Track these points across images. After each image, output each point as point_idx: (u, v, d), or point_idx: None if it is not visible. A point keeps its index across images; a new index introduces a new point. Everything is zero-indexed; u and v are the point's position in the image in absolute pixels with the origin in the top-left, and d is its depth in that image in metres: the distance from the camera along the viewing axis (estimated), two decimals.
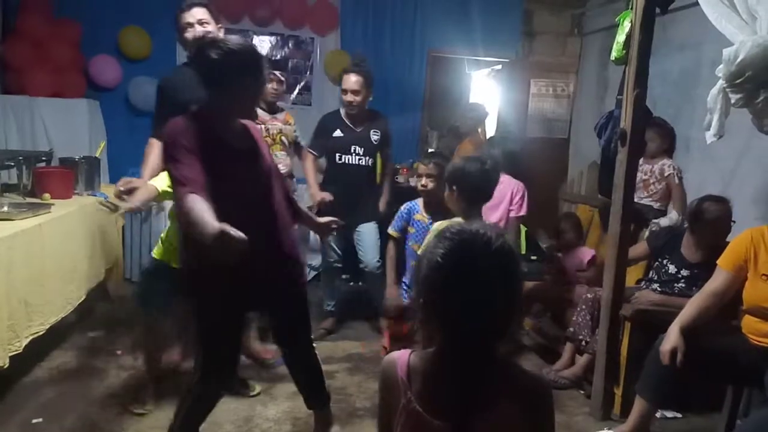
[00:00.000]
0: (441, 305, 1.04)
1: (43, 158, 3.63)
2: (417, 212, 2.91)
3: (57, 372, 2.99)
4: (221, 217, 1.68)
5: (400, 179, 5.17)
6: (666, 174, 3.61)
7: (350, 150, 3.57)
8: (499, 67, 5.96)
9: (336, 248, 3.73)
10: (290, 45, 5.24)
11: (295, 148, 3.78)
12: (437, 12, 5.27)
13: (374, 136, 3.62)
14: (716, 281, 2.47)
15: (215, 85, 1.92)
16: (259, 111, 3.46)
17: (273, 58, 5.16)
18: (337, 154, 3.59)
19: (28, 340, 2.57)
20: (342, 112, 3.63)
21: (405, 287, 2.80)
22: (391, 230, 3.00)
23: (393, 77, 5.26)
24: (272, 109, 3.65)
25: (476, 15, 5.24)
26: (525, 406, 1.07)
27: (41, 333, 2.70)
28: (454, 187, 2.36)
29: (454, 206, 2.40)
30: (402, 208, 2.99)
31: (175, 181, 1.84)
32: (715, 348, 2.40)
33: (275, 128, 3.62)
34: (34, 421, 2.52)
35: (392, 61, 5.28)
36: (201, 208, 1.70)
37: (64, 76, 4.51)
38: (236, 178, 1.95)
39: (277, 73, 3.68)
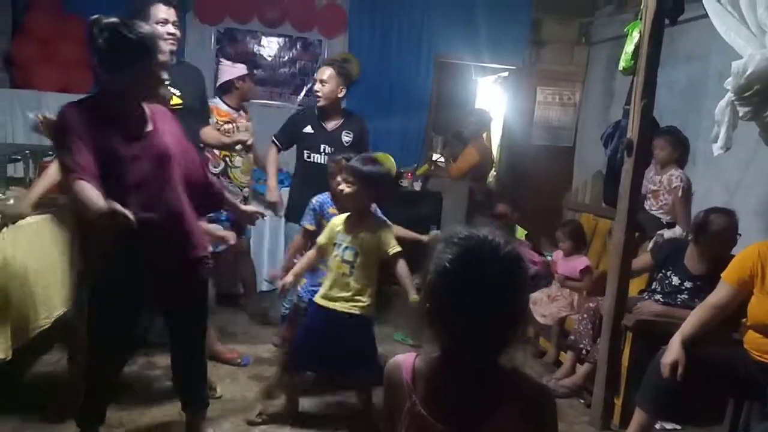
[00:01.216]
0: (447, 310, 1.04)
1: (50, 152, 3.63)
2: (330, 206, 2.85)
3: (58, 366, 2.99)
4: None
5: (404, 183, 5.19)
6: (673, 185, 3.51)
7: (320, 149, 3.42)
8: (506, 74, 5.98)
9: None
10: (298, 46, 5.26)
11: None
12: (445, 18, 5.28)
13: (345, 137, 3.47)
14: (719, 294, 2.46)
15: (105, 68, 1.94)
16: (228, 108, 3.59)
17: (280, 59, 5.19)
18: (306, 152, 3.45)
19: (35, 332, 2.58)
20: (316, 111, 3.50)
21: (310, 286, 2.80)
22: (305, 223, 2.86)
23: (399, 81, 5.28)
24: (244, 107, 3.76)
25: (484, 22, 5.24)
26: (528, 413, 1.07)
27: (47, 326, 2.70)
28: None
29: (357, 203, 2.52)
30: (313, 200, 2.88)
31: (63, 167, 1.87)
32: (716, 361, 2.40)
33: (243, 125, 3.67)
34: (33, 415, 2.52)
35: (399, 65, 5.30)
36: (88, 191, 1.76)
37: (72, 71, 4.53)
38: (125, 163, 1.97)
39: (256, 72, 3.75)
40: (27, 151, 3.36)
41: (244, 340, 3.61)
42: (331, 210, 2.83)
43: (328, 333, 2.50)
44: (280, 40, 5.22)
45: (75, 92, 4.47)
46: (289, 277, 2.58)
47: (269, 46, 5.20)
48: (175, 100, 2.88)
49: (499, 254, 1.02)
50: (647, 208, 3.59)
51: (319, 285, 2.62)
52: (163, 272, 2.09)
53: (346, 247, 2.51)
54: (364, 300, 2.51)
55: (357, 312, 2.50)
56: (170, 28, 2.72)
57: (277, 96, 5.19)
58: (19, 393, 2.71)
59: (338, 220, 2.60)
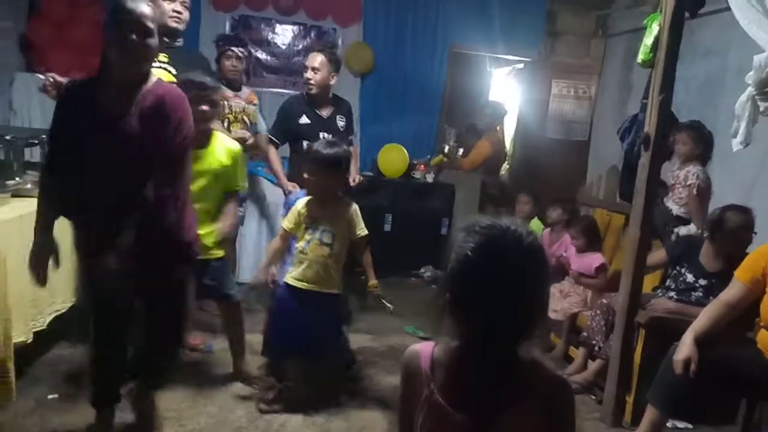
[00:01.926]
0: (468, 299, 1.04)
1: None
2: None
3: (75, 350, 3.02)
4: (75, 189, 1.94)
5: (417, 175, 5.18)
6: (689, 182, 3.40)
7: (318, 137, 3.29)
8: (521, 65, 5.94)
9: None
10: (312, 35, 5.24)
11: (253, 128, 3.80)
12: (460, 8, 5.25)
13: (340, 122, 3.47)
14: (731, 292, 2.45)
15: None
16: (223, 88, 3.47)
17: (294, 47, 5.17)
18: (305, 142, 3.35)
19: (51, 317, 2.61)
20: (305, 97, 3.46)
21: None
22: (286, 225, 2.74)
23: (413, 71, 5.26)
24: (234, 87, 3.71)
25: (499, 13, 5.21)
26: (546, 405, 1.07)
27: (64, 311, 2.73)
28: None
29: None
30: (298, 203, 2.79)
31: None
32: (729, 360, 2.38)
33: (238, 106, 3.67)
34: (50, 396, 2.56)
35: (413, 55, 5.28)
36: (41, 205, 2.03)
37: (88, 55, 4.54)
38: (89, 142, 1.93)
39: (235, 49, 3.69)
40: (44, 136, 3.39)
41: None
42: None
43: (308, 314, 2.59)
44: (295, 28, 5.21)
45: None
46: (262, 276, 2.68)
47: (283, 34, 5.19)
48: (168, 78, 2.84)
49: (521, 244, 1.02)
50: (664, 200, 3.52)
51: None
52: (135, 259, 1.96)
53: (324, 230, 2.60)
54: (337, 279, 2.64)
55: (334, 291, 2.63)
56: (177, 6, 2.70)
57: (290, 85, 5.18)
58: (39, 375, 2.74)
59: (301, 204, 2.67)
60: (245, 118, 3.73)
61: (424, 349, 1.14)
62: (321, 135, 3.32)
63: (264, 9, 5.08)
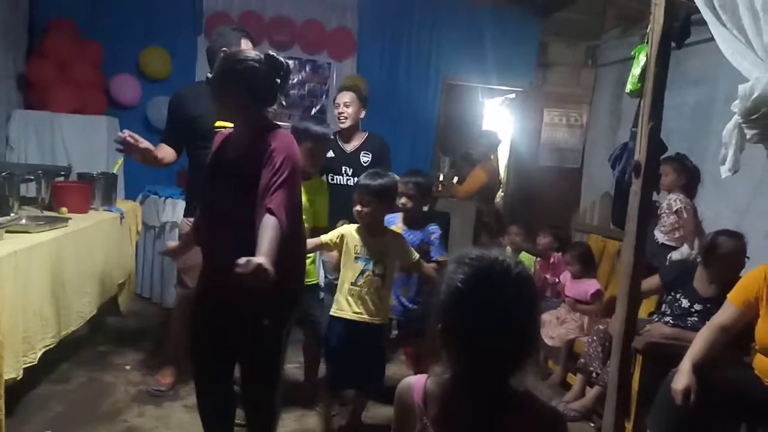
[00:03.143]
0: (459, 331, 1.04)
1: (62, 173, 3.69)
2: (394, 224, 2.96)
3: (66, 386, 3.00)
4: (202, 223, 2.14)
5: None
6: (674, 209, 3.54)
7: (341, 170, 3.47)
8: (513, 95, 6.02)
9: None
10: (307, 69, 5.32)
11: None
12: (453, 40, 5.35)
13: (364, 158, 3.53)
14: (724, 315, 2.45)
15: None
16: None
17: (290, 81, 5.25)
18: (329, 175, 3.46)
19: (42, 352, 2.59)
20: (335, 134, 3.54)
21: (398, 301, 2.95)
22: (325, 237, 2.80)
23: (407, 103, 5.33)
24: None
25: (491, 45, 5.31)
26: None
27: (54, 345, 2.71)
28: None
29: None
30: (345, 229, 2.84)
31: None
32: (728, 385, 2.37)
33: None
34: None
35: (407, 86, 5.36)
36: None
37: (86, 93, 4.61)
38: (212, 185, 2.08)
39: None
40: (40, 172, 3.42)
41: None
42: (395, 228, 2.91)
43: (362, 346, 2.62)
44: (290, 62, 5.28)
45: (88, 113, 4.56)
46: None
47: None
48: (221, 123, 2.98)
49: (510, 275, 1.03)
50: (654, 232, 3.58)
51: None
52: (230, 306, 1.99)
53: (376, 262, 2.61)
54: (386, 308, 2.69)
55: (384, 320, 2.67)
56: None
57: (285, 117, 5.24)
58: (29, 412, 2.71)
59: (349, 231, 2.68)
60: None
61: (417, 381, 1.14)
62: (343, 169, 3.48)
63: (260, 44, 5.15)
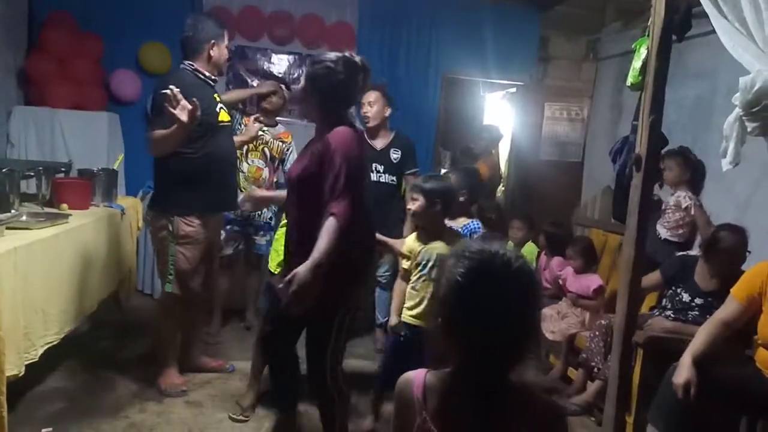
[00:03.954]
0: (459, 325, 1.04)
1: (62, 169, 3.68)
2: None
3: (67, 382, 3.00)
4: None
5: None
6: (684, 206, 3.49)
7: (372, 168, 3.58)
8: (514, 89, 6.00)
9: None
10: (307, 63, 5.29)
11: (279, 164, 3.96)
12: (453, 35, 5.32)
13: (394, 155, 3.67)
14: (727, 310, 2.45)
15: None
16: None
17: (290, 76, 5.24)
18: None
19: (44, 348, 2.59)
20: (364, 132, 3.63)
21: None
22: (404, 263, 2.84)
23: (407, 98, 5.29)
24: (269, 122, 3.88)
25: (491, 39, 5.28)
26: (539, 431, 1.06)
27: (56, 342, 2.71)
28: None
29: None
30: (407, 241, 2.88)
31: None
32: (729, 379, 2.38)
33: (262, 138, 3.78)
34: (44, 430, 2.53)
35: (407, 81, 5.33)
36: None
37: (86, 89, 4.60)
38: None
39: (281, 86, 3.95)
40: (40, 168, 3.42)
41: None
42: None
43: (416, 349, 2.55)
44: (290, 57, 5.28)
45: (88, 109, 4.56)
46: (394, 319, 2.72)
47: (279, 64, 5.26)
48: (224, 117, 3.01)
49: (510, 268, 1.03)
50: (657, 227, 3.56)
51: None
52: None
53: (432, 266, 2.57)
54: None
55: None
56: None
57: (286, 113, 5.22)
58: (32, 408, 2.71)
59: (411, 241, 2.69)
60: (266, 150, 3.83)
61: (416, 376, 1.14)
62: (374, 166, 3.61)
63: (259, 39, 5.15)
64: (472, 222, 2.88)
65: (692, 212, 3.46)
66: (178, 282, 2.90)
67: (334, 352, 2.26)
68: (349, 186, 2.10)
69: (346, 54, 2.21)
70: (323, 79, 2.18)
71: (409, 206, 2.68)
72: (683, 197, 3.51)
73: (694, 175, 3.61)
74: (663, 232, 3.56)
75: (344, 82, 2.20)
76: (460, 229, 2.81)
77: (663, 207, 3.60)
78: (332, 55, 2.21)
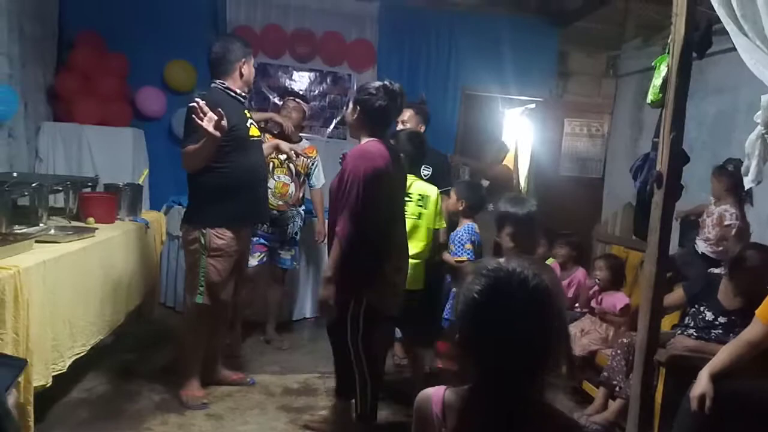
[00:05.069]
0: (477, 342, 1.05)
1: (89, 184, 3.77)
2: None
3: (92, 393, 3.05)
4: None
5: None
6: (725, 223, 3.45)
7: None
8: (533, 105, 6.01)
9: None
10: (328, 81, 5.38)
11: (304, 179, 4.03)
12: (472, 51, 5.37)
13: (425, 171, 3.65)
14: (752, 332, 2.41)
15: None
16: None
17: (311, 92, 5.32)
18: None
19: (71, 360, 2.64)
20: None
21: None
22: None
23: None
24: (292, 138, 3.91)
25: (511, 55, 5.32)
26: None
27: (83, 354, 2.76)
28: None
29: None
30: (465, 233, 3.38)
31: None
32: (751, 393, 2.33)
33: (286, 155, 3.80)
34: None
35: (427, 97, 5.34)
36: None
37: (111, 106, 4.72)
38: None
39: (294, 101, 4.03)
40: (68, 183, 3.50)
41: (270, 370, 3.62)
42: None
43: None
44: (311, 74, 5.36)
45: (113, 125, 4.67)
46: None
47: (300, 81, 5.35)
48: (254, 132, 3.11)
49: (527, 286, 1.04)
50: (696, 241, 3.53)
51: None
52: None
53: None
54: None
55: None
56: None
57: (307, 129, 5.29)
58: (58, 419, 2.76)
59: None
60: (291, 166, 3.89)
61: (435, 393, 1.15)
62: None
63: (281, 56, 5.24)
64: (470, 224, 3.42)
65: (732, 233, 3.40)
66: (209, 293, 2.95)
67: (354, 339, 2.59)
68: (358, 201, 2.41)
69: (386, 83, 2.57)
70: (366, 102, 2.55)
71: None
72: (729, 214, 3.47)
73: (732, 186, 3.51)
74: (702, 245, 3.50)
75: (384, 107, 2.55)
76: (460, 229, 3.37)
77: (702, 218, 3.56)
78: (376, 83, 2.58)
